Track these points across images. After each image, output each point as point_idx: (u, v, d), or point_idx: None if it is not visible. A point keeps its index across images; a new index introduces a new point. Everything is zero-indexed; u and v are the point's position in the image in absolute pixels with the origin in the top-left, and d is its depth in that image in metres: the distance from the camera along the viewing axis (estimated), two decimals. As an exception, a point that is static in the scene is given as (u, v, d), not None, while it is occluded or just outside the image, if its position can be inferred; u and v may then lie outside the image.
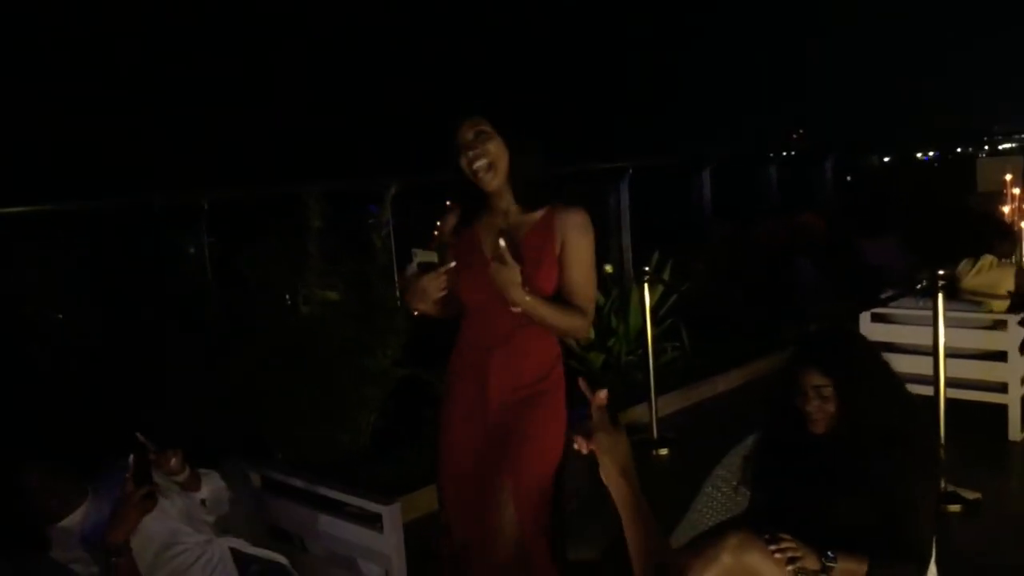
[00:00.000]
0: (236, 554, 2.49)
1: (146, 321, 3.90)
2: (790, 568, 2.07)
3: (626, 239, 6.72)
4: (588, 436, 1.69)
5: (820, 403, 2.23)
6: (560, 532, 2.41)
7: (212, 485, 2.60)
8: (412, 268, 2.26)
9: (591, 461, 1.70)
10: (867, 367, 2.28)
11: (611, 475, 1.69)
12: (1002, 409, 4.46)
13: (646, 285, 4.82)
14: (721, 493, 2.61)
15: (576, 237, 2.30)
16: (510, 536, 2.29)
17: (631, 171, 6.72)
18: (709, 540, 2.14)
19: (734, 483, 2.58)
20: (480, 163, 2.28)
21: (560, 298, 2.30)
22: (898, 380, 2.32)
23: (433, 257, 2.26)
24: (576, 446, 1.72)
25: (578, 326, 2.33)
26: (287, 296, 4.46)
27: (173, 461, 2.46)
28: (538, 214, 2.33)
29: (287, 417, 4.15)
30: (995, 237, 5.14)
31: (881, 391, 2.23)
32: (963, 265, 4.68)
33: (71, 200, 4.74)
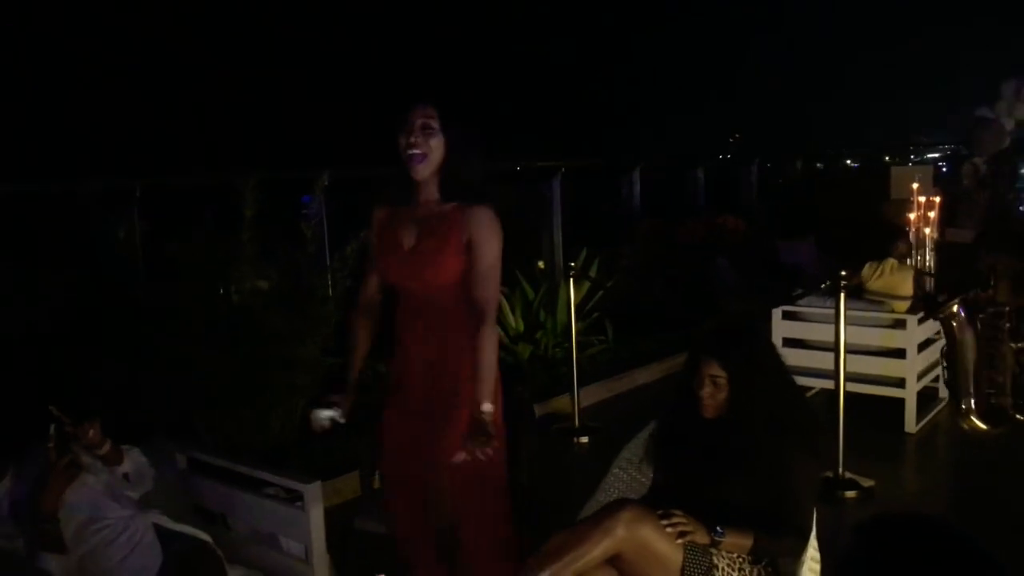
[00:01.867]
0: (159, 530, 2.56)
1: (75, 304, 3.90)
2: (680, 541, 2.24)
3: (557, 236, 6.88)
4: None
5: (713, 391, 2.39)
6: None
7: (134, 460, 2.66)
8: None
9: None
10: (761, 360, 2.46)
11: None
12: (900, 403, 4.75)
13: (571, 281, 4.99)
14: (627, 474, 2.79)
15: (482, 234, 2.40)
16: (458, 518, 2.45)
17: (563, 170, 6.89)
18: (604, 513, 2.30)
19: (638, 464, 2.75)
20: (416, 151, 2.38)
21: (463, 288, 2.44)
22: (787, 373, 2.50)
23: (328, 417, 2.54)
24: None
25: (492, 337, 2.40)
26: (218, 283, 4.50)
27: (91, 432, 2.51)
28: (448, 206, 2.43)
29: (218, 403, 4.20)
30: (896, 242, 5.43)
31: (771, 383, 2.41)
32: (867, 268, 4.95)
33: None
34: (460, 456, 2.16)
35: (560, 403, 5.21)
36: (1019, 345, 3.69)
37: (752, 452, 2.33)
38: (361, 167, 5.54)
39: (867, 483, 4.02)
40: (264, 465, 2.93)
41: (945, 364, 3.61)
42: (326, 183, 4.75)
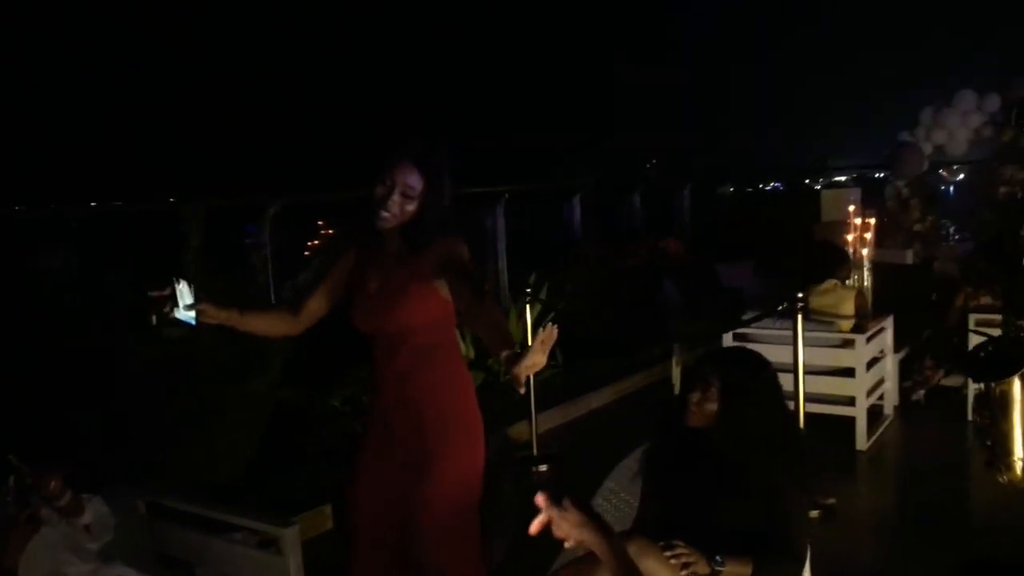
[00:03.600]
0: (126, 582, 2.40)
1: (13, 343, 3.68)
2: (684, 573, 2.20)
3: (502, 262, 6.87)
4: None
5: (701, 397, 2.38)
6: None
7: (95, 510, 2.50)
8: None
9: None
10: (755, 382, 2.45)
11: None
12: (851, 421, 4.84)
13: (527, 304, 4.95)
14: (611, 504, 2.74)
15: (453, 251, 2.35)
16: (439, 556, 2.36)
17: (507, 196, 6.88)
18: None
19: (623, 494, 2.71)
20: (388, 214, 2.32)
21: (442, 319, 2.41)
22: (781, 397, 2.51)
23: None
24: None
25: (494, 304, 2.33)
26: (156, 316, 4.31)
27: (52, 484, 2.35)
28: (415, 247, 2.37)
29: (163, 441, 4.00)
30: (837, 263, 5.57)
31: (764, 402, 2.41)
32: (813, 290, 5.05)
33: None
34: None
35: (516, 430, 5.15)
36: None
37: (746, 476, 2.31)
38: (308, 194, 5.41)
39: (828, 501, 4.07)
40: (233, 508, 2.78)
41: (980, 421, 3.58)
42: (274, 212, 4.63)
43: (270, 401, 4.40)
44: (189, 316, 2.26)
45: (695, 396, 2.40)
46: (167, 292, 2.23)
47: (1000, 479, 3.41)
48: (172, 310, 2.24)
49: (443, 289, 2.37)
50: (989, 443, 3.35)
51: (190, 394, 4.05)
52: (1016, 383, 3.19)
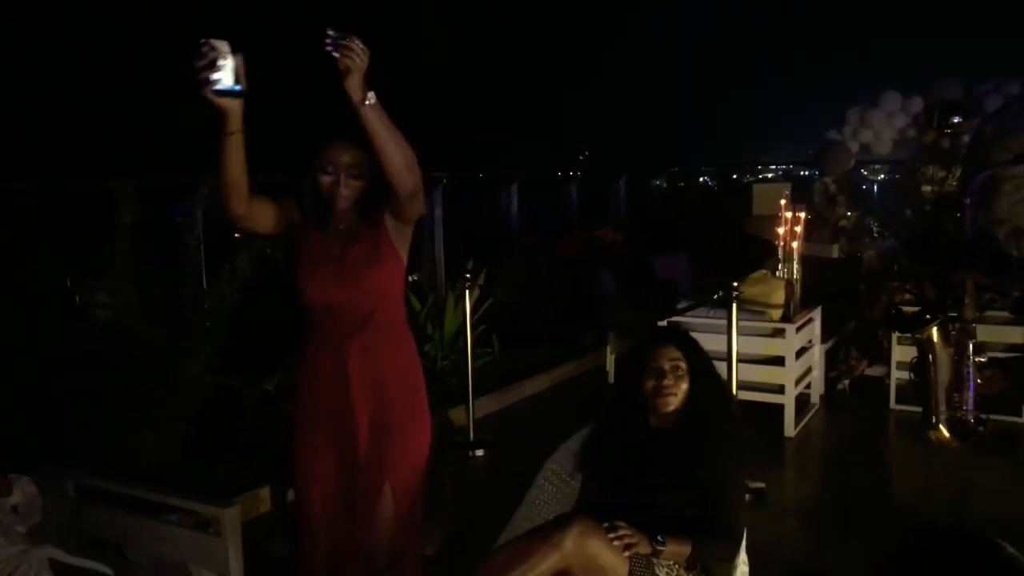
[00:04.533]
0: (55, 565, 2.32)
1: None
2: (626, 554, 2.24)
3: (439, 248, 6.83)
4: None
5: (675, 380, 2.40)
6: None
7: (24, 491, 2.43)
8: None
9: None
10: (705, 358, 2.51)
11: None
12: (779, 408, 4.98)
13: (467, 290, 4.95)
14: (553, 485, 2.76)
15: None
16: (391, 537, 2.35)
17: (445, 181, 6.85)
18: (552, 526, 2.27)
19: (565, 475, 2.74)
20: (347, 192, 2.33)
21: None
22: (720, 377, 2.57)
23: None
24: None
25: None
26: (83, 295, 4.18)
27: None
28: (368, 214, 2.38)
29: (89, 424, 3.88)
30: (767, 255, 5.72)
31: (715, 382, 2.47)
32: (744, 280, 5.17)
33: None
34: None
35: (453, 415, 5.14)
36: (979, 360, 3.95)
37: (693, 458, 2.35)
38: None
39: (756, 485, 4.17)
40: (168, 490, 2.72)
41: (915, 379, 3.80)
42: (206, 192, 4.51)
43: (203, 385, 4.30)
44: (231, 82, 1.96)
45: (670, 379, 2.40)
46: (208, 55, 1.94)
47: (931, 436, 3.60)
48: (213, 80, 1.95)
49: (404, 253, 2.41)
50: (921, 406, 3.58)
51: (121, 376, 3.93)
52: (936, 337, 3.42)
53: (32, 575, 2.26)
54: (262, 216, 2.35)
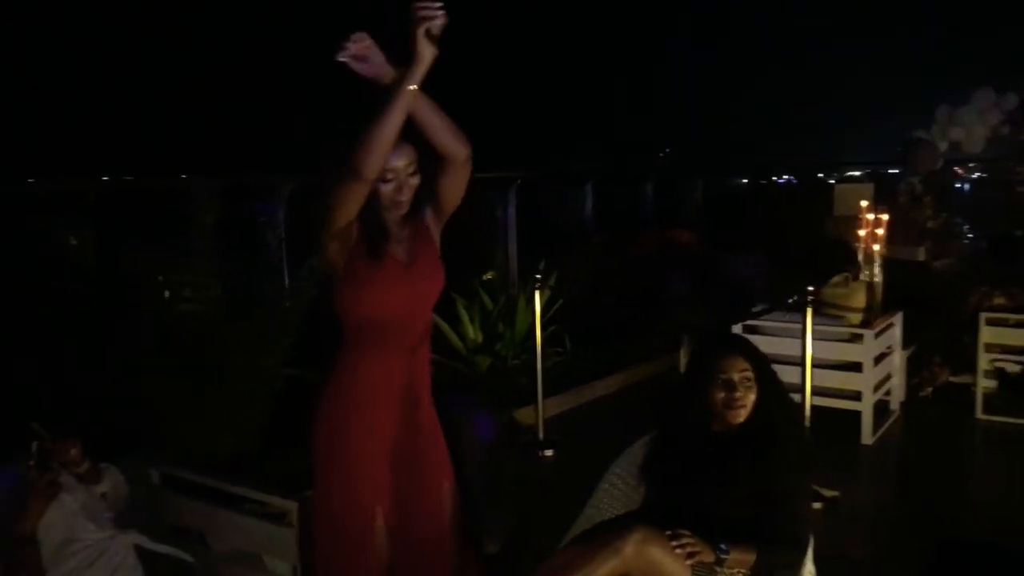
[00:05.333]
0: (140, 550, 2.44)
1: (29, 315, 3.72)
2: (689, 562, 2.23)
3: (512, 248, 6.88)
4: None
5: (745, 391, 2.38)
6: None
7: (112, 479, 2.55)
8: None
9: None
10: (770, 366, 2.49)
11: None
12: (856, 415, 4.86)
13: (536, 291, 4.97)
14: (617, 489, 2.76)
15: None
16: (454, 535, 2.40)
17: (519, 182, 6.89)
18: (613, 532, 2.28)
19: (630, 480, 2.73)
20: (408, 195, 2.27)
21: None
22: (783, 384, 2.53)
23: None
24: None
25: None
26: (169, 292, 4.36)
27: (72, 452, 2.40)
28: (420, 214, 2.35)
29: (171, 415, 4.05)
30: (850, 258, 5.58)
31: (780, 389, 2.44)
32: (824, 283, 5.06)
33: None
34: None
35: (521, 415, 5.18)
36: None
37: (761, 464, 2.33)
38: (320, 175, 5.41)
39: (830, 493, 4.09)
40: (243, 481, 2.82)
41: None
42: (289, 191, 4.66)
43: (279, 378, 4.43)
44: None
45: (741, 391, 2.38)
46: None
47: None
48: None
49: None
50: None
51: (200, 369, 4.08)
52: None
53: (119, 559, 2.38)
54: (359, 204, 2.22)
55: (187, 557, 2.51)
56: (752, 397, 2.39)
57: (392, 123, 2.03)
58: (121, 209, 4.72)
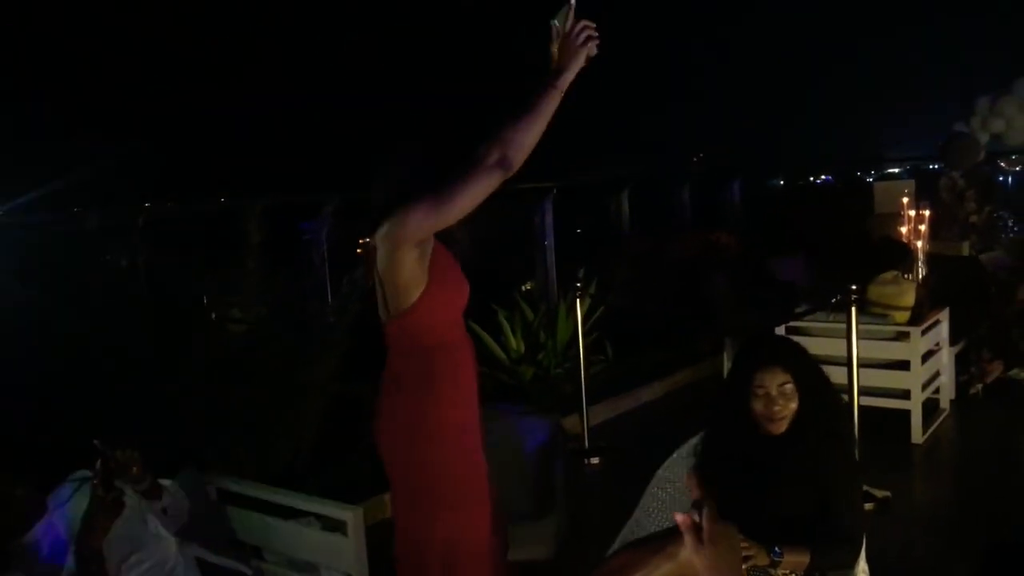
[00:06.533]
0: (201, 563, 2.51)
1: (80, 337, 3.83)
2: (744, 567, 2.23)
3: (551, 256, 6.90)
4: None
5: (784, 402, 2.35)
6: None
7: (172, 494, 2.61)
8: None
9: None
10: (814, 367, 2.47)
11: None
12: (906, 414, 4.80)
13: (577, 299, 5.00)
14: (665, 493, 2.77)
15: None
16: None
17: (555, 191, 6.92)
18: (666, 536, 2.28)
19: (678, 484, 2.74)
20: None
21: None
22: (829, 379, 2.52)
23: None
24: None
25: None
26: (218, 310, 4.46)
27: (135, 469, 2.47)
28: None
29: (224, 431, 4.14)
30: (895, 256, 5.51)
31: (829, 393, 2.43)
32: (873, 280, 5.01)
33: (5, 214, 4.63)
34: None
35: (566, 423, 5.19)
36: None
37: (807, 465, 2.33)
38: (362, 192, 5.50)
39: (881, 494, 4.05)
40: (298, 494, 2.89)
41: None
42: (332, 209, 4.74)
43: (327, 393, 4.50)
44: None
45: (779, 404, 2.34)
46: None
47: None
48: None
49: None
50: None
51: (253, 386, 4.17)
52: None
53: (181, 572, 2.45)
54: None
55: (246, 568, 2.57)
56: (793, 406, 2.36)
57: (544, 123, 2.16)
58: (171, 231, 4.84)
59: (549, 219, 7.08)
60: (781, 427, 2.38)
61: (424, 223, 2.16)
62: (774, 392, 2.36)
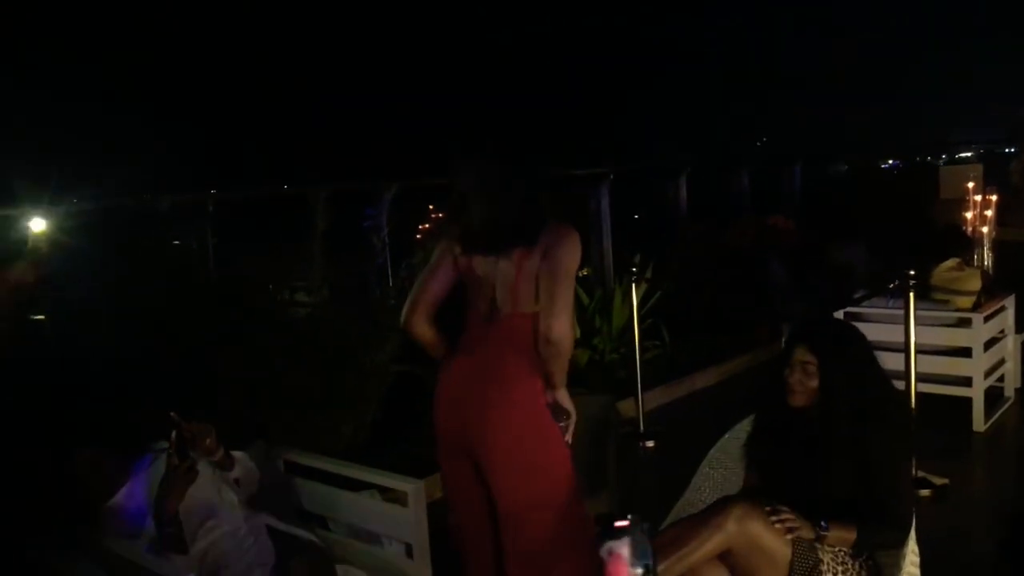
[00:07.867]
0: (271, 531, 2.65)
1: (155, 318, 4.02)
2: (789, 537, 2.29)
3: (607, 242, 6.94)
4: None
5: (802, 377, 2.45)
6: None
7: (244, 465, 2.76)
8: None
9: None
10: (851, 351, 2.50)
11: None
12: (967, 402, 4.74)
13: (633, 284, 5.04)
14: (717, 472, 2.84)
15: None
16: None
17: (612, 176, 6.95)
18: (714, 509, 2.36)
19: (729, 464, 2.80)
20: None
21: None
22: (878, 365, 2.53)
23: None
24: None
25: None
26: (284, 293, 4.62)
27: (208, 440, 2.62)
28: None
29: (290, 410, 4.30)
30: (959, 242, 5.42)
31: (861, 374, 2.45)
32: (936, 266, 4.94)
33: (89, 201, 4.86)
34: None
35: (621, 408, 5.25)
36: None
37: (851, 443, 2.37)
38: (423, 177, 5.63)
39: (940, 481, 4.03)
40: (362, 466, 3.01)
41: None
42: (393, 195, 4.87)
43: (388, 373, 4.64)
44: None
45: (795, 377, 2.45)
46: None
47: None
48: None
49: None
50: None
51: (318, 366, 4.32)
52: None
53: (252, 539, 2.59)
54: None
55: (312, 536, 2.70)
56: (813, 384, 2.44)
57: None
58: (239, 217, 5.02)
59: (606, 205, 7.13)
60: (798, 400, 2.46)
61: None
62: (795, 366, 2.46)
